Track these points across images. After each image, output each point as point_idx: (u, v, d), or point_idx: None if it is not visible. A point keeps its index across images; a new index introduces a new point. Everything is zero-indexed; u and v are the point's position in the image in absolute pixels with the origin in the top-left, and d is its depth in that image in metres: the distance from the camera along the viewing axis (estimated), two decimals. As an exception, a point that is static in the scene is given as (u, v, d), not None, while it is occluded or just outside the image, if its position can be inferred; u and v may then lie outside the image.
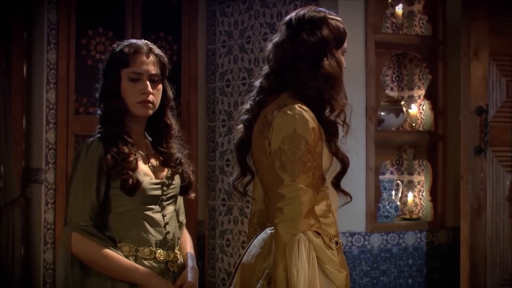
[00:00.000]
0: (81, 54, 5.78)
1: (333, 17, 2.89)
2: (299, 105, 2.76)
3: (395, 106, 5.44)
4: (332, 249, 2.75)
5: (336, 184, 2.89)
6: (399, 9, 5.55)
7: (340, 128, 2.87)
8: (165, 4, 6.15)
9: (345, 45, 2.90)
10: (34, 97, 5.78)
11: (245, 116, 2.94)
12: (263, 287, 2.78)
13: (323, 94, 2.79)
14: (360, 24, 5.11)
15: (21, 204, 5.73)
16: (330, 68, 2.81)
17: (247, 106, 2.96)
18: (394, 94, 5.73)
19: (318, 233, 2.70)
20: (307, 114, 2.74)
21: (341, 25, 2.89)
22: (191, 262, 3.05)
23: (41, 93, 5.66)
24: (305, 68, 2.82)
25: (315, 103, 2.79)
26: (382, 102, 5.37)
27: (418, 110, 5.62)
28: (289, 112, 2.74)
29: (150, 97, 2.93)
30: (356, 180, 5.03)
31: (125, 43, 2.98)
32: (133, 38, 4.83)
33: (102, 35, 5.86)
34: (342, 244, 2.92)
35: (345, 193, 2.92)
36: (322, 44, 2.83)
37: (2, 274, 5.64)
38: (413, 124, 5.58)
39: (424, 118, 5.59)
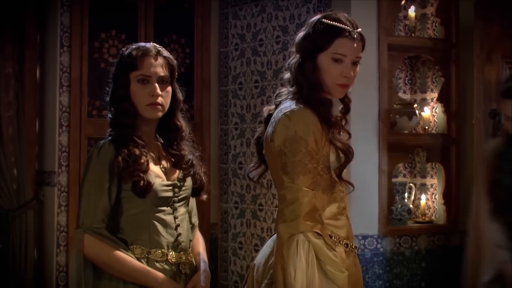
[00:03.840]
0: (94, 57, 5.79)
1: (325, 20, 2.84)
2: (301, 108, 2.78)
3: (408, 109, 5.43)
4: (335, 251, 2.76)
5: (339, 174, 2.90)
6: (411, 11, 5.54)
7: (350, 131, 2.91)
8: (178, 7, 6.15)
9: (334, 49, 2.81)
10: (47, 100, 5.79)
11: (267, 113, 2.99)
12: (266, 286, 2.80)
13: (309, 96, 2.82)
14: (372, 27, 5.10)
15: (34, 206, 5.73)
16: (306, 72, 2.84)
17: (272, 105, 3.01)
18: (407, 97, 5.72)
19: (319, 234, 2.70)
20: (309, 117, 2.76)
21: (329, 25, 2.82)
22: (203, 265, 3.06)
23: (54, 96, 5.67)
24: (295, 70, 2.88)
25: (313, 105, 2.80)
26: (395, 105, 5.36)
27: (431, 113, 5.60)
28: (290, 115, 2.77)
29: (159, 99, 2.94)
30: (369, 183, 5.03)
31: (133, 46, 2.99)
32: (145, 41, 4.86)
33: (115, 38, 5.87)
34: (355, 247, 2.92)
35: (348, 183, 2.95)
36: (301, 48, 2.87)
37: (16, 277, 5.64)
38: (426, 127, 5.57)
39: (437, 121, 5.57)
